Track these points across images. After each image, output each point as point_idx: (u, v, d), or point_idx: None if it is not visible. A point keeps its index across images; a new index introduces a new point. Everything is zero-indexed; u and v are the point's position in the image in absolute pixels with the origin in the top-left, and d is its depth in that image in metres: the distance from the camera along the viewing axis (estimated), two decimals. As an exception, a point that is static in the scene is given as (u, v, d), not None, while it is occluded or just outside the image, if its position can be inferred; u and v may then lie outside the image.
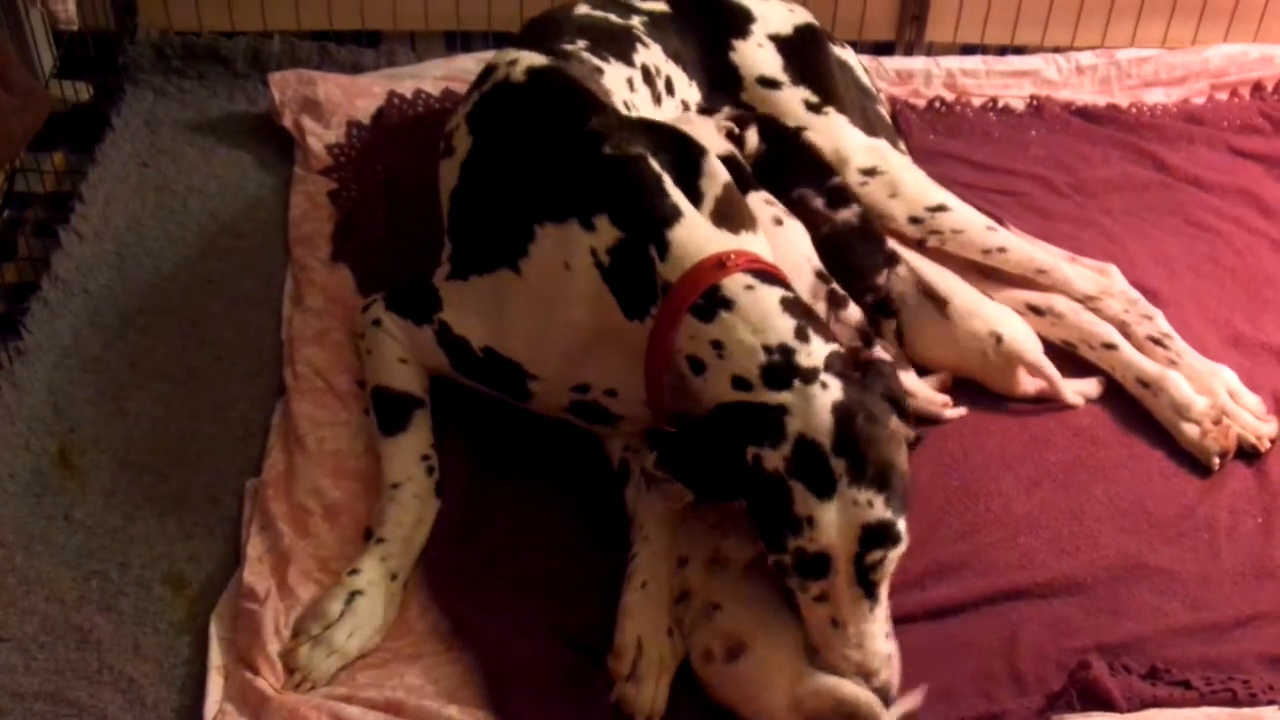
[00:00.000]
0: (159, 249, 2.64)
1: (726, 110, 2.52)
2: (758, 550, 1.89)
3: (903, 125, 2.98)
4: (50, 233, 2.62)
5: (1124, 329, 2.46)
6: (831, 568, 1.80)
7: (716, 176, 2.07)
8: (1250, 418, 2.35)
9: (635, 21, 2.54)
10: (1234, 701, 1.95)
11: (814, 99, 2.60)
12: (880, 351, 2.08)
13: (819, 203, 2.43)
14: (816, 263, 2.27)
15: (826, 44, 2.73)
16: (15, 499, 2.15)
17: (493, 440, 2.24)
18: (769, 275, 1.93)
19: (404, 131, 2.84)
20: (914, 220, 2.53)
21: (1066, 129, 3.08)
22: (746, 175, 2.34)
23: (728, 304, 1.88)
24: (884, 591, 1.84)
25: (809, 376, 1.82)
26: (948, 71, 3.19)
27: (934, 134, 3.03)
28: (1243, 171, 2.99)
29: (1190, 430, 2.32)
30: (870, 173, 2.55)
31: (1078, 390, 2.40)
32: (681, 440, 1.90)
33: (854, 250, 2.40)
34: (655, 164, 2.02)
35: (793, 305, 1.90)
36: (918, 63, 3.22)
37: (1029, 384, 2.39)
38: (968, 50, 3.34)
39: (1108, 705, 1.92)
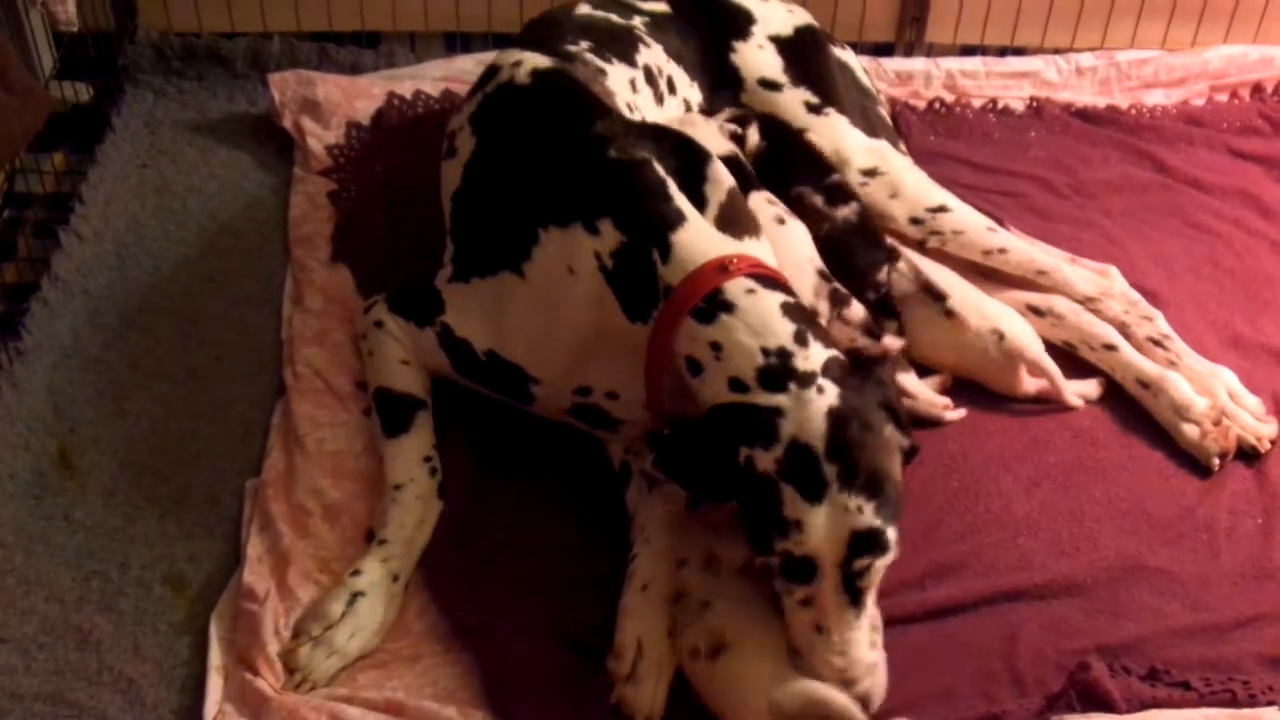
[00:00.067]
0: (159, 249, 2.63)
1: (728, 110, 2.52)
2: (752, 552, 1.89)
3: (902, 126, 2.98)
4: (50, 233, 2.62)
5: (1124, 330, 2.47)
6: (818, 573, 1.79)
7: (721, 182, 2.07)
8: (1250, 419, 2.36)
9: (637, 22, 2.55)
10: (1233, 702, 1.95)
11: (814, 100, 2.60)
12: (890, 341, 2.07)
13: (818, 200, 2.43)
14: (819, 262, 2.27)
15: (827, 45, 2.73)
16: (15, 499, 2.15)
17: (494, 441, 2.24)
18: (771, 280, 1.93)
19: (403, 132, 2.84)
20: (915, 221, 2.53)
21: (1066, 130, 3.08)
22: (749, 175, 2.34)
23: (728, 307, 1.88)
24: (870, 600, 1.83)
25: (806, 380, 1.82)
26: (947, 73, 3.20)
27: (934, 135, 3.03)
28: (1242, 173, 2.99)
29: (1190, 431, 2.33)
30: (871, 173, 2.55)
31: (1078, 391, 2.40)
32: (677, 440, 1.90)
33: (854, 248, 2.40)
34: (660, 168, 2.02)
35: (793, 310, 1.90)
36: (917, 64, 3.22)
37: (1030, 383, 2.39)
38: (967, 51, 3.34)
39: (1107, 706, 1.92)
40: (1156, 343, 2.46)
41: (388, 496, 2.10)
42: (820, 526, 1.77)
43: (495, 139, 2.26)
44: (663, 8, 2.62)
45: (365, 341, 2.28)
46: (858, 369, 1.88)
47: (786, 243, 2.24)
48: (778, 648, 1.85)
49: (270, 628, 1.94)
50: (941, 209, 2.54)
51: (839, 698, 1.79)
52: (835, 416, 1.79)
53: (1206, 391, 2.37)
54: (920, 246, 2.52)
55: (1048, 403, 2.39)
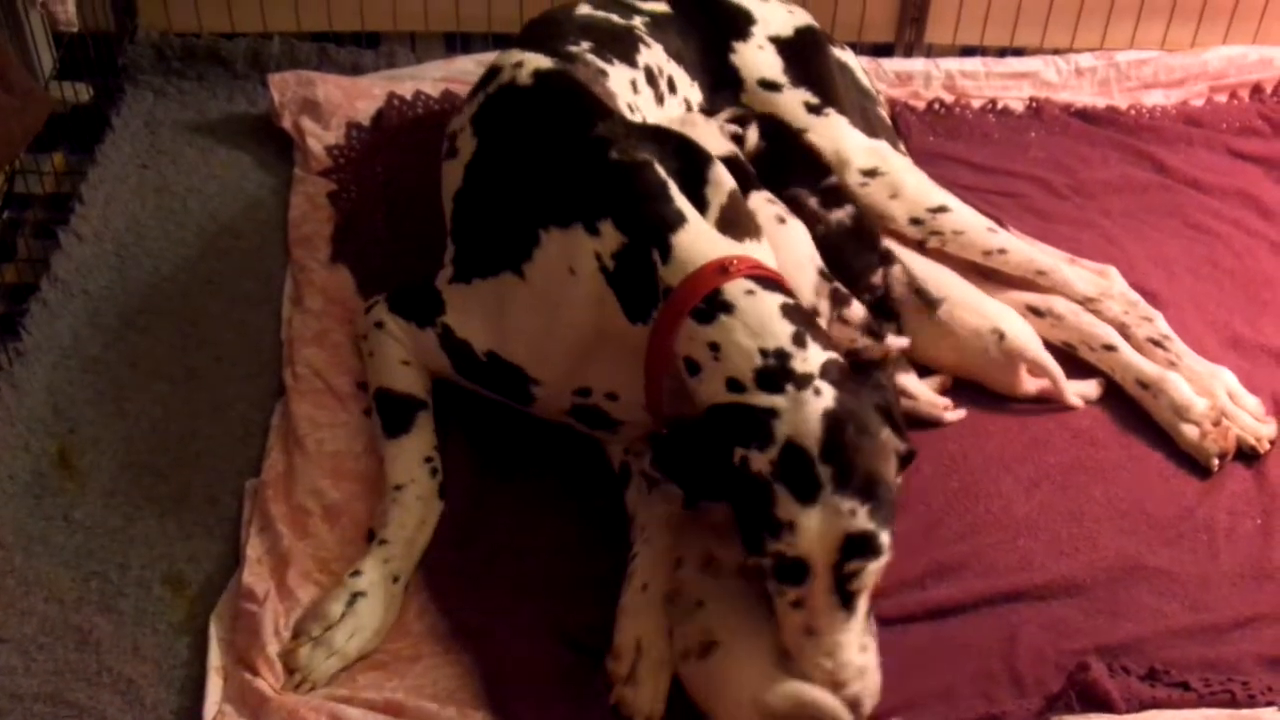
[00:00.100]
0: (159, 249, 2.64)
1: (728, 111, 2.52)
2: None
3: (902, 127, 2.98)
4: (50, 234, 2.62)
5: (1124, 331, 2.47)
6: (809, 575, 1.78)
7: (722, 184, 2.07)
8: (1249, 419, 2.36)
9: (637, 22, 2.55)
10: (1233, 703, 1.95)
11: (814, 101, 2.60)
12: (893, 341, 2.06)
13: (813, 202, 2.43)
14: (819, 261, 2.27)
15: (826, 46, 2.73)
16: (15, 500, 2.15)
17: (495, 442, 2.24)
18: (770, 281, 1.93)
19: (404, 133, 2.84)
20: (915, 221, 2.53)
21: (1066, 131, 3.08)
22: (749, 175, 2.34)
23: (728, 308, 1.88)
24: (863, 603, 1.82)
25: (803, 382, 1.82)
26: (947, 73, 3.20)
27: (933, 136, 3.03)
28: (1242, 174, 2.99)
29: (1190, 432, 2.33)
30: (871, 174, 2.55)
31: (1078, 392, 2.40)
32: (674, 440, 1.90)
33: (847, 251, 2.40)
34: (661, 170, 2.02)
35: (793, 311, 1.90)
36: (917, 64, 3.22)
37: (1030, 383, 2.39)
38: (967, 52, 3.34)
39: (1107, 707, 1.92)
40: (1156, 343, 2.46)
41: (388, 497, 2.10)
42: (812, 528, 1.77)
43: (496, 140, 2.26)
44: (663, 8, 2.63)
45: (366, 342, 2.28)
46: (856, 372, 1.88)
47: (787, 242, 2.24)
48: (769, 649, 1.84)
49: (270, 628, 1.93)
50: (941, 209, 2.54)
51: (828, 700, 1.79)
52: (831, 419, 1.79)
53: (1206, 392, 2.37)
54: (920, 247, 2.52)
55: (1048, 403, 2.39)
